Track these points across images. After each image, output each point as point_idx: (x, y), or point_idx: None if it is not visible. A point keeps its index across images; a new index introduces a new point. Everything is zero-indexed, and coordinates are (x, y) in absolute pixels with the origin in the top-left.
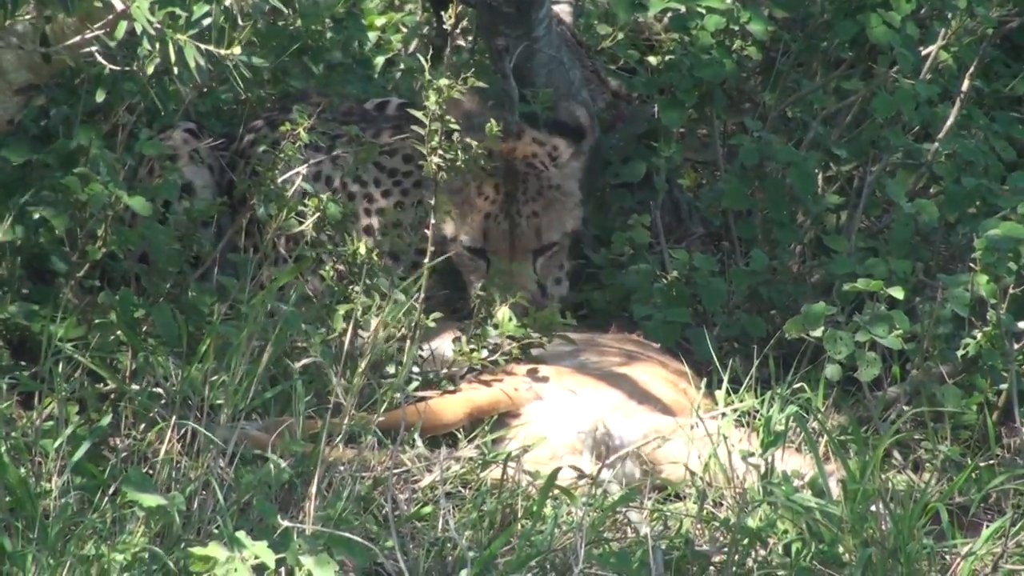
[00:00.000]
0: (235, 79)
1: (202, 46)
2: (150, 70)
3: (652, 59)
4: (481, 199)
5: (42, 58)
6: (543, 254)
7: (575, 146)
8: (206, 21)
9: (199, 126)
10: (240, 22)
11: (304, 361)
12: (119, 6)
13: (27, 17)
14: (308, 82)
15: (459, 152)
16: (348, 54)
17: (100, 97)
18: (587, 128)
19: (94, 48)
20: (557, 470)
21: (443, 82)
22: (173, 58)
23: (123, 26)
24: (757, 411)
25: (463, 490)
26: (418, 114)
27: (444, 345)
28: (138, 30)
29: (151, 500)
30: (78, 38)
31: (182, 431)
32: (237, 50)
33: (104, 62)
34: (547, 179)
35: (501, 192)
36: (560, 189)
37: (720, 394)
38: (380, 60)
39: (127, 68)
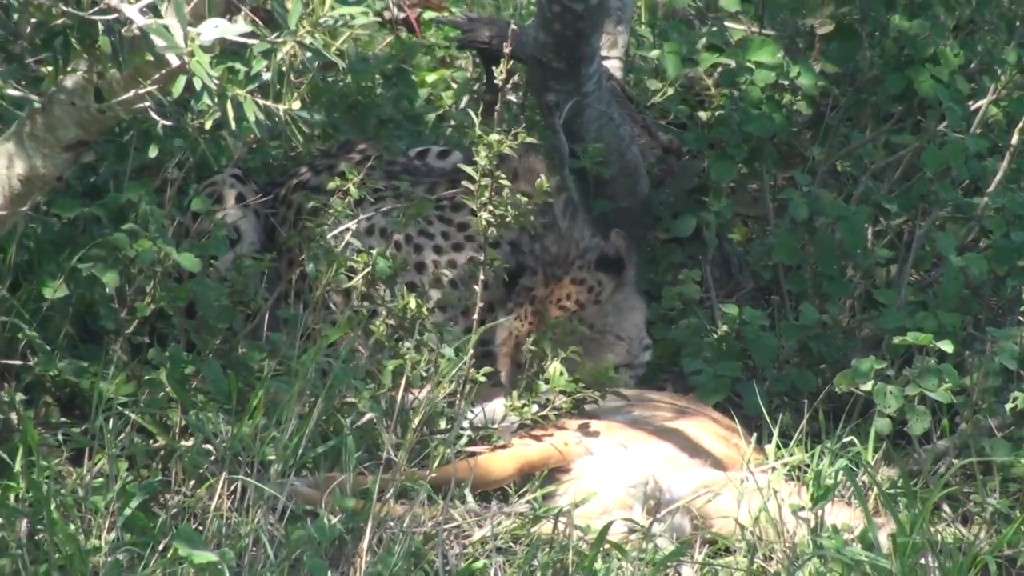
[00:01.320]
0: (294, 134)
1: (261, 101)
2: (208, 125)
3: (702, 114)
4: (506, 343)
5: (92, 113)
6: None
7: (616, 279)
8: (265, 76)
9: (244, 173)
10: (292, 78)
11: (359, 420)
12: (175, 61)
13: (79, 72)
14: (360, 137)
15: (508, 208)
16: (399, 110)
17: (153, 153)
18: (625, 256)
19: (147, 104)
20: (609, 524)
21: (494, 137)
22: (231, 113)
23: (182, 81)
24: (807, 465)
25: (514, 545)
26: (469, 169)
27: (496, 405)
28: (197, 86)
29: (202, 556)
30: (131, 94)
31: (232, 487)
32: (297, 104)
33: (157, 118)
34: (579, 320)
35: (522, 334)
36: (594, 328)
37: (770, 448)
38: (431, 116)
39: (178, 124)
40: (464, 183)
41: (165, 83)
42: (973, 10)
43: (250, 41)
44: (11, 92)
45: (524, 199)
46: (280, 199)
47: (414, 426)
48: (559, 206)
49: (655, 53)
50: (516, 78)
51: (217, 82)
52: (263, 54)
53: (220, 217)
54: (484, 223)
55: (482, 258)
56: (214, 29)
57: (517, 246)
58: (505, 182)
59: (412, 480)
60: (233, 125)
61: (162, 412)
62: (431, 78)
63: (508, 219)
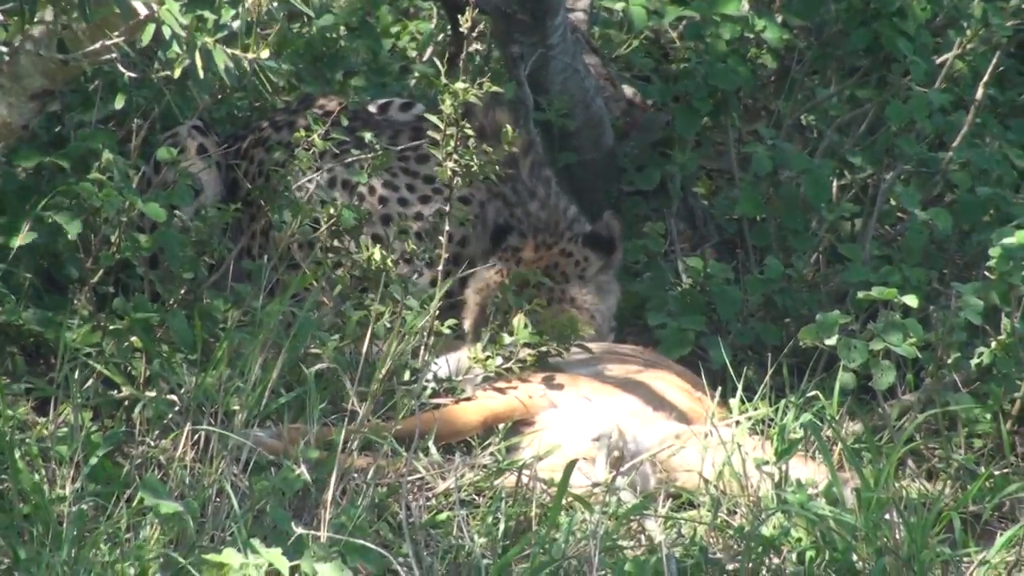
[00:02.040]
0: (262, 83)
1: (229, 50)
2: (177, 73)
3: (667, 67)
4: (479, 291)
5: (58, 63)
6: None
7: (605, 259)
8: (234, 25)
9: (205, 124)
10: (259, 28)
11: (318, 366)
12: (142, 11)
13: (45, 22)
14: (323, 89)
15: (474, 157)
16: (363, 61)
17: (120, 103)
18: (617, 240)
19: (112, 55)
20: (571, 465)
21: (459, 86)
22: (200, 62)
23: (150, 30)
24: (771, 419)
25: (478, 498)
26: (434, 118)
27: (460, 356)
28: (166, 34)
29: (166, 506)
30: (98, 44)
31: (196, 437)
32: (266, 53)
33: (123, 69)
34: (560, 291)
35: (497, 284)
36: (574, 302)
37: (734, 402)
38: (395, 67)
39: (143, 74)
40: (430, 133)
41: (131, 33)
42: None
43: None
44: None
45: (489, 149)
46: (241, 153)
47: (379, 376)
48: (526, 168)
49: (620, 5)
50: (481, 28)
51: (186, 31)
52: (231, 3)
53: (185, 167)
54: (450, 173)
55: (448, 209)
56: None
57: (505, 199)
58: (470, 131)
59: (376, 432)
60: (201, 74)
61: (127, 362)
62: (395, 29)
63: (474, 168)
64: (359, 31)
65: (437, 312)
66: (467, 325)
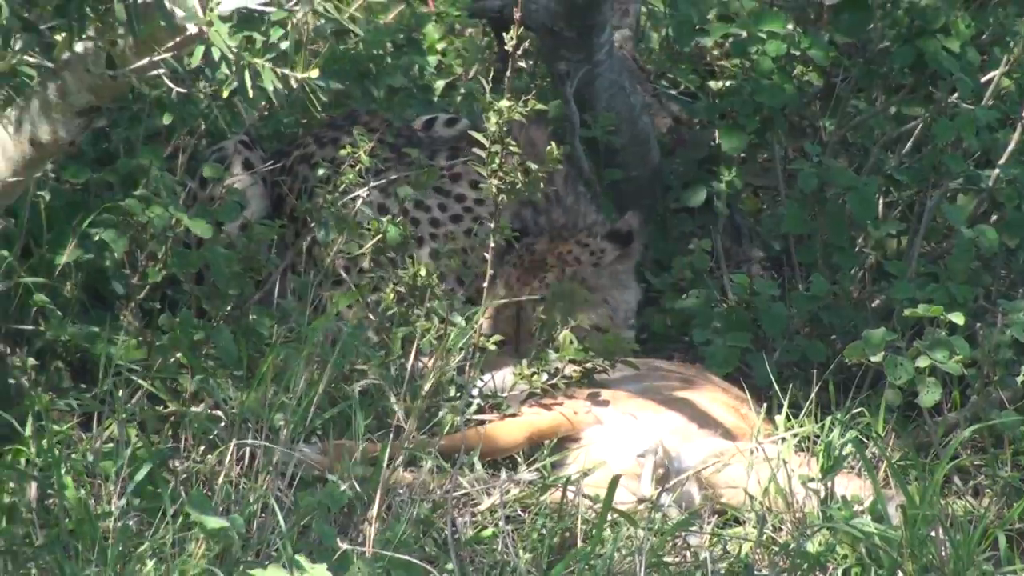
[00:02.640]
0: (312, 103)
1: (279, 70)
2: (226, 94)
3: (713, 84)
4: (505, 287)
5: (105, 80)
6: None
7: (621, 249)
8: (283, 45)
9: (251, 139)
10: (304, 46)
11: (363, 383)
12: (192, 29)
13: (92, 38)
14: (369, 106)
15: (519, 175)
16: (409, 78)
17: (167, 120)
18: (636, 233)
19: (161, 71)
20: (615, 481)
21: (503, 104)
22: (249, 82)
23: (200, 51)
24: (817, 436)
25: (523, 514)
26: (479, 136)
27: (506, 374)
28: (215, 55)
29: (211, 522)
30: (145, 60)
31: (241, 453)
32: (315, 73)
33: (172, 85)
34: (571, 273)
35: (519, 282)
36: (585, 284)
37: (780, 419)
38: (440, 84)
39: (193, 91)
40: (474, 150)
41: (179, 50)
42: None
43: (267, 9)
44: (28, 59)
45: (534, 166)
46: (286, 169)
47: (424, 392)
48: (560, 179)
49: (667, 22)
50: (527, 46)
51: (235, 51)
52: (279, 23)
53: (230, 183)
54: (495, 190)
55: (492, 225)
56: None
57: (520, 217)
58: (515, 149)
59: (421, 448)
60: (251, 94)
61: (172, 378)
62: (441, 46)
63: (518, 186)
64: (405, 48)
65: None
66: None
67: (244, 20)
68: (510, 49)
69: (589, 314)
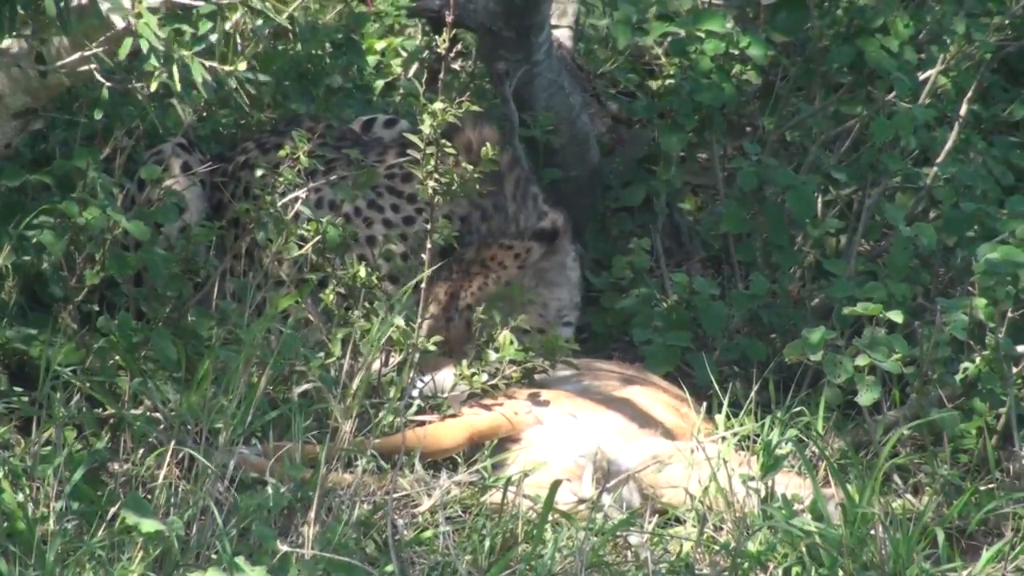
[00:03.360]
0: (240, 97)
1: (207, 63)
2: (153, 87)
3: (652, 83)
4: (434, 301)
5: (39, 80)
6: None
7: (547, 247)
8: (212, 37)
9: (189, 142)
10: (241, 43)
11: (303, 387)
12: (119, 24)
13: (24, 35)
14: (309, 106)
15: (455, 176)
16: (348, 78)
17: (98, 116)
18: (561, 231)
19: (92, 67)
20: (556, 485)
21: (438, 106)
22: (177, 76)
23: (128, 44)
24: (757, 435)
25: (463, 514)
26: (414, 138)
27: (446, 375)
28: (144, 47)
29: (150, 525)
30: (76, 56)
31: (180, 456)
32: (243, 66)
33: (103, 81)
34: (495, 277)
35: (448, 294)
36: (509, 288)
37: (720, 418)
38: (380, 84)
39: (127, 87)
40: (410, 151)
41: (109, 46)
42: None
43: (197, 3)
44: None
45: (470, 167)
46: (228, 174)
47: (353, 390)
48: (510, 187)
49: (605, 22)
50: (464, 46)
51: (164, 44)
52: (209, 16)
53: (169, 185)
54: (431, 191)
55: (428, 227)
56: None
57: (466, 221)
58: (451, 150)
59: (359, 449)
60: (178, 87)
61: (111, 380)
62: (380, 46)
63: (454, 187)
64: (344, 47)
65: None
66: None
67: (173, 13)
68: (442, 50)
69: (523, 315)
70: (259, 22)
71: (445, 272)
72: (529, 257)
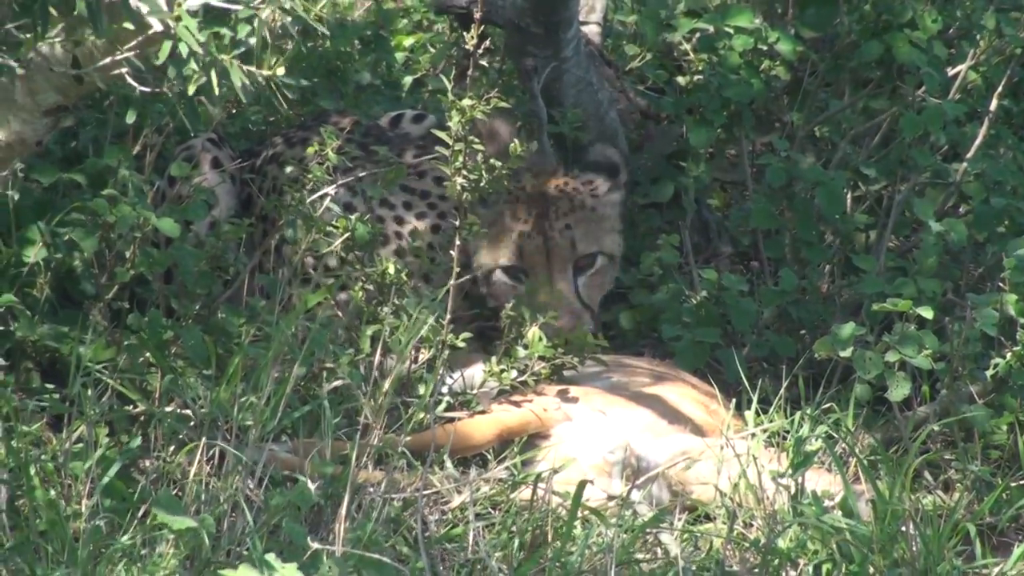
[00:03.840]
0: (279, 100)
1: (246, 67)
2: (192, 90)
3: (680, 79)
4: (514, 221)
5: (71, 80)
6: (583, 272)
7: (611, 181)
8: (251, 41)
9: (219, 136)
10: (269, 43)
11: (333, 383)
12: (157, 27)
13: (57, 39)
14: (337, 103)
15: (483, 173)
16: (376, 75)
17: (131, 118)
18: (621, 165)
19: (124, 70)
20: (583, 484)
21: (466, 102)
22: (215, 79)
23: (167, 47)
24: (787, 431)
25: (493, 511)
26: (442, 134)
27: (476, 372)
28: (183, 51)
29: (181, 522)
30: (109, 60)
31: (211, 452)
32: (281, 70)
33: (135, 84)
34: (580, 200)
35: (533, 213)
36: (595, 212)
37: (750, 414)
38: (408, 80)
39: (158, 89)
40: (437, 148)
41: (145, 48)
42: None
43: (233, 7)
44: None
45: (498, 164)
46: (255, 169)
47: (385, 389)
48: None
49: (633, 18)
50: (490, 44)
51: (203, 47)
52: (248, 20)
53: (198, 182)
54: (459, 188)
55: (457, 223)
56: None
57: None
58: (479, 147)
59: (389, 445)
60: (217, 91)
61: (141, 377)
62: (408, 42)
63: (482, 183)
64: (373, 44)
65: (452, 325)
66: None
67: (211, 16)
68: (470, 47)
69: (604, 238)
70: (288, 19)
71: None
72: (598, 189)
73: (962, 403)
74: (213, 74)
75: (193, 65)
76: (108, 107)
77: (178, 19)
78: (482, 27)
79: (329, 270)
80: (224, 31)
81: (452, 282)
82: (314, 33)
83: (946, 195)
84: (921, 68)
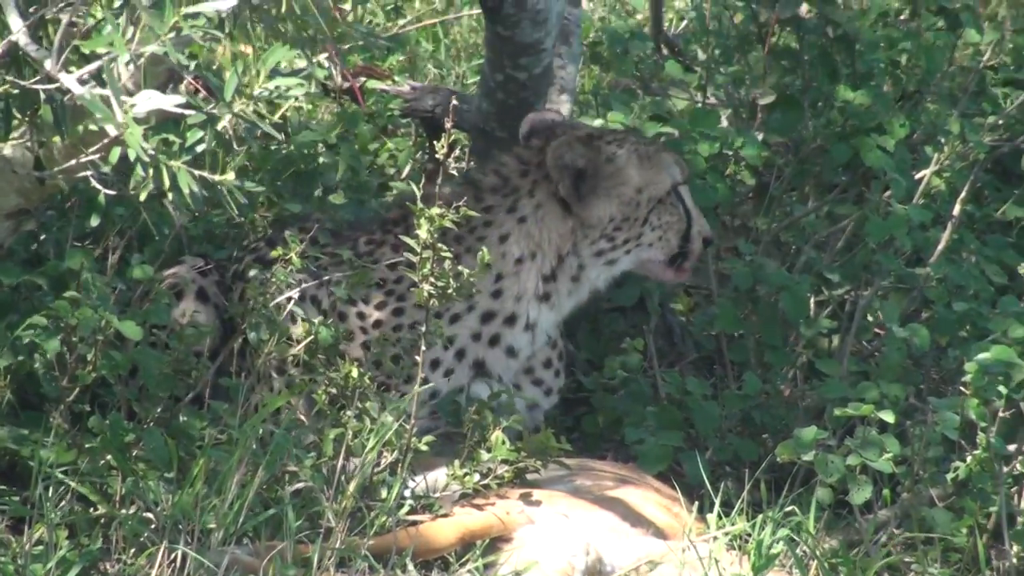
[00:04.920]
0: (229, 205)
1: (196, 172)
2: (143, 196)
3: None
4: None
5: (34, 182)
6: None
7: None
8: (200, 147)
9: (206, 260)
10: (234, 147)
11: (296, 486)
12: (112, 132)
13: (19, 141)
14: (303, 206)
15: (451, 280)
16: (342, 179)
17: (95, 222)
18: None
19: (88, 173)
20: None
21: (435, 211)
22: (167, 184)
23: (117, 152)
24: (749, 534)
25: None
26: (411, 242)
27: (438, 475)
28: (131, 157)
29: None
30: (72, 162)
31: (173, 556)
32: (230, 176)
33: (99, 187)
34: None
35: None
36: None
37: (712, 517)
38: (373, 184)
39: (120, 193)
40: (405, 254)
41: (105, 152)
42: (919, 81)
43: (186, 112)
44: None
45: (466, 272)
46: (238, 274)
47: (350, 492)
48: None
49: (599, 122)
50: (457, 150)
51: (152, 153)
52: (200, 125)
53: (160, 287)
54: (426, 295)
55: (424, 329)
56: (148, 100)
57: None
58: (447, 254)
59: (351, 548)
60: (170, 196)
61: (102, 480)
62: (374, 146)
63: (450, 291)
64: (338, 147)
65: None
66: None
67: (162, 123)
68: (440, 155)
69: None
70: (245, 126)
71: None
72: None
73: (923, 506)
74: (165, 178)
75: (140, 171)
76: (70, 209)
77: (125, 125)
78: (452, 135)
79: (293, 373)
80: (173, 137)
81: (416, 388)
82: (275, 137)
83: (909, 300)
84: (887, 173)
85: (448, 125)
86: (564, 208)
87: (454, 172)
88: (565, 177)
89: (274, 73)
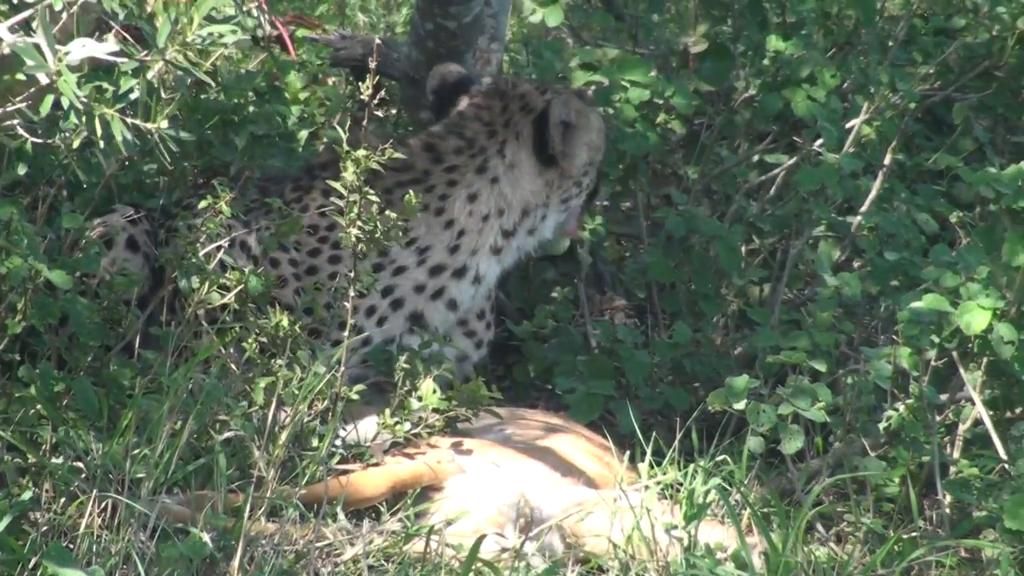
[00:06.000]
0: (161, 152)
1: (129, 120)
2: (76, 143)
3: None
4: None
5: None
6: None
7: None
8: (133, 95)
9: (137, 208)
10: (164, 95)
11: (226, 434)
12: (44, 80)
13: None
14: (232, 155)
15: (378, 224)
16: (271, 127)
17: (21, 171)
18: None
19: (15, 121)
20: (480, 540)
21: (361, 153)
22: (99, 132)
23: (49, 100)
24: (680, 483)
25: (386, 564)
26: (337, 185)
27: (369, 424)
28: (65, 104)
29: (72, 575)
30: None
31: (103, 505)
32: (164, 123)
33: (26, 135)
34: None
35: None
36: None
37: (643, 466)
38: (304, 133)
39: (49, 141)
40: (332, 199)
41: (36, 100)
42: (850, 31)
43: (118, 60)
44: None
45: (393, 215)
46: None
47: (282, 442)
48: None
49: (529, 71)
50: (387, 94)
51: (84, 101)
52: (132, 73)
53: (90, 235)
54: (354, 239)
55: (351, 274)
56: (81, 48)
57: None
58: (374, 198)
59: (282, 498)
60: (101, 144)
61: (32, 429)
62: (304, 95)
63: (377, 235)
64: (268, 96)
65: (345, 377)
66: None
67: (97, 70)
68: (365, 97)
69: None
70: (178, 73)
71: None
72: None
73: (855, 455)
74: (97, 126)
75: (74, 119)
76: None
77: (59, 73)
78: (377, 78)
79: (223, 322)
80: (106, 85)
81: (347, 336)
82: (207, 86)
83: (841, 248)
84: (818, 122)
85: (372, 65)
86: (541, 163)
87: (379, 115)
88: (558, 133)
89: (207, 20)
